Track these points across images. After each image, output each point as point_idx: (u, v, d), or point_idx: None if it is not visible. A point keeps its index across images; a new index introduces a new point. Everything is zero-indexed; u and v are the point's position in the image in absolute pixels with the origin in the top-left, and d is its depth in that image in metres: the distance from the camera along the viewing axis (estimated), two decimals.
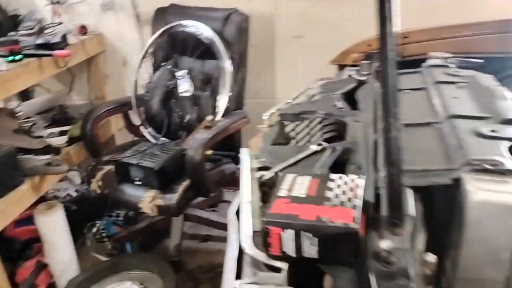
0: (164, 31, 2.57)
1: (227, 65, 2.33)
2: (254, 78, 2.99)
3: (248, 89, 2.76)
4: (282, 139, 1.42)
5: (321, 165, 1.03)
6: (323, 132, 1.67)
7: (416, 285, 0.62)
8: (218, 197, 2.78)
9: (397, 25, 0.63)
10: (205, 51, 2.43)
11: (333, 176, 0.84)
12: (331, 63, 2.17)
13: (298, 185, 0.82)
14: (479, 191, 0.73)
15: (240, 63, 2.47)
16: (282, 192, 0.80)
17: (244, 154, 1.12)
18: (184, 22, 2.51)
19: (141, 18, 3.01)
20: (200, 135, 2.07)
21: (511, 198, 0.72)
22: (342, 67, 2.10)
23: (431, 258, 0.65)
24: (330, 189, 0.80)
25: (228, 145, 2.32)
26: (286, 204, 0.76)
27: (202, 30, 2.40)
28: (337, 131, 1.40)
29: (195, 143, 2.00)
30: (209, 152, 2.07)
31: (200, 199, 2.31)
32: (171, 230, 2.49)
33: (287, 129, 1.48)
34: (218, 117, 2.27)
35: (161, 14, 2.70)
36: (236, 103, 2.46)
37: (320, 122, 1.61)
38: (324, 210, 0.73)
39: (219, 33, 2.39)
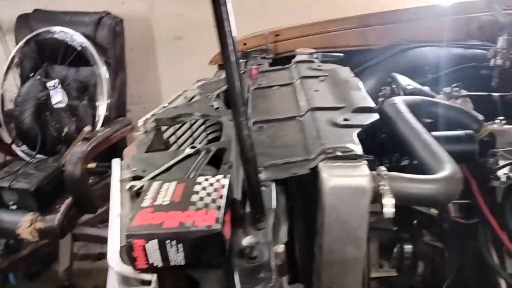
0: (29, 39, 2.37)
1: (103, 71, 2.22)
2: (136, 83, 2.90)
3: (130, 95, 2.67)
4: (160, 145, 1.39)
5: (194, 168, 1.02)
6: (207, 134, 1.67)
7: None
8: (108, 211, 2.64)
9: (234, 27, 0.64)
10: (78, 57, 2.29)
11: (199, 179, 0.84)
12: (209, 64, 2.18)
13: (163, 192, 0.80)
14: (332, 178, 0.78)
15: (117, 68, 2.37)
16: (146, 202, 0.77)
17: (115, 165, 1.07)
18: (51, 29, 2.34)
19: (2, 26, 2.74)
20: (79, 148, 1.94)
21: (360, 181, 0.78)
22: (221, 66, 2.11)
23: (280, 248, 0.68)
24: (196, 192, 0.79)
25: (114, 155, 2.21)
26: (149, 214, 0.73)
27: (72, 36, 2.25)
28: (220, 131, 1.41)
29: (73, 157, 1.88)
30: (92, 165, 1.96)
31: (87, 216, 2.17)
32: (59, 254, 2.31)
33: (167, 134, 1.45)
34: (98, 126, 2.15)
35: (24, 21, 2.48)
36: (118, 110, 2.36)
37: (203, 124, 1.60)
38: (188, 215, 0.72)
39: (91, 38, 2.26)
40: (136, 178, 1.04)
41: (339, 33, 2.07)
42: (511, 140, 1.34)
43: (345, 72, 1.38)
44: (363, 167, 0.80)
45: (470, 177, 1.22)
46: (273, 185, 0.84)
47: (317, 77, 1.35)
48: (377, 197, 0.76)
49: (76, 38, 2.25)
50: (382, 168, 0.80)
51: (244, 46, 2.08)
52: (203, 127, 1.66)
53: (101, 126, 2.15)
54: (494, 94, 1.58)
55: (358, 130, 0.96)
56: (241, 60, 1.99)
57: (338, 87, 1.24)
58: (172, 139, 1.46)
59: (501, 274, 1.09)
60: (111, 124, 2.19)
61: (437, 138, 1.11)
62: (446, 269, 1.26)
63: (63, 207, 1.90)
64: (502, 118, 1.40)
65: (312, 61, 1.56)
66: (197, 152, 1.11)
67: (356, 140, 0.90)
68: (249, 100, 1.30)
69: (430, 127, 1.35)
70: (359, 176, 0.79)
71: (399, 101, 1.12)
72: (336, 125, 0.99)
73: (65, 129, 2.24)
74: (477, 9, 2.01)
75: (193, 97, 1.67)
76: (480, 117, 1.28)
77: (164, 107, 1.52)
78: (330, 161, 0.83)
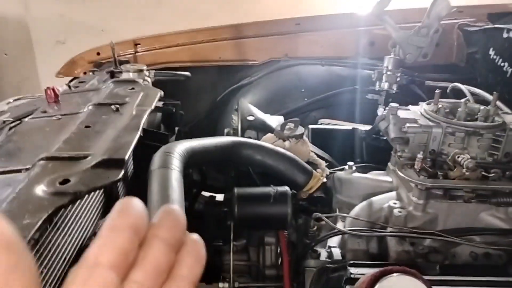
0: None
1: None
2: (15, 93, 2.50)
3: None
4: None
5: None
6: None
7: None
8: None
9: None
10: None
11: None
12: (56, 76, 1.82)
13: None
14: None
15: None
16: None
17: None
18: None
19: None
20: None
21: None
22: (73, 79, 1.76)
23: None
24: None
25: None
26: None
27: None
28: None
29: None
30: None
31: None
32: None
33: None
34: None
35: None
36: None
37: None
38: None
39: None
40: None
41: (210, 44, 1.75)
42: (360, 193, 1.06)
43: (148, 100, 1.05)
44: None
45: (284, 253, 0.91)
46: None
47: (110, 105, 1.02)
48: None
49: None
50: None
51: (98, 56, 1.73)
52: None
53: None
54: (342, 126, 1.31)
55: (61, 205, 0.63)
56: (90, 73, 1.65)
57: (118, 123, 0.92)
58: None
59: None
60: None
61: (243, 196, 0.86)
62: None
63: None
64: (352, 163, 1.11)
65: (135, 82, 1.23)
66: None
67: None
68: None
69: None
70: None
71: (171, 151, 0.80)
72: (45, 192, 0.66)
73: None
74: (369, 23, 1.74)
75: None
76: (310, 168, 0.98)
77: None
78: None
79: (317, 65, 1.71)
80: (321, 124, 1.57)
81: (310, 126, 1.35)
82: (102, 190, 0.86)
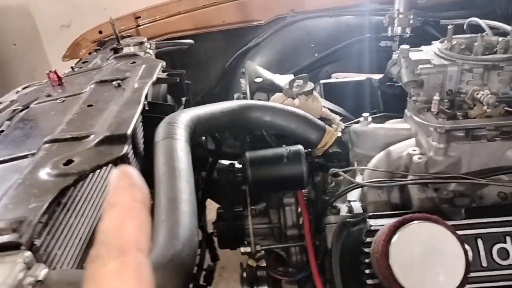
0: None
1: None
2: (30, 81, 2.52)
3: None
4: None
5: None
6: None
7: None
8: None
9: None
10: None
11: None
12: (63, 60, 1.81)
13: None
14: None
15: None
16: None
17: None
18: None
19: None
20: None
21: None
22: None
23: None
24: None
25: None
26: None
27: None
28: None
29: None
30: None
31: None
32: None
33: None
34: None
35: None
36: None
37: None
38: None
39: None
40: None
41: (213, 8, 1.69)
42: (377, 144, 1.02)
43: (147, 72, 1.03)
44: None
45: (304, 212, 0.89)
46: None
47: (111, 81, 1.00)
48: None
49: None
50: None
51: (100, 34, 1.71)
52: None
53: None
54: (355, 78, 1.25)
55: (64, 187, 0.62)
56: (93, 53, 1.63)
57: (120, 99, 0.90)
58: None
59: None
60: None
61: (256, 160, 0.84)
62: None
63: None
64: (368, 114, 1.07)
65: (136, 55, 1.20)
66: None
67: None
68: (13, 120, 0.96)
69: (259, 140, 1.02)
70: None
71: (175, 120, 0.77)
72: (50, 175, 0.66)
73: None
74: None
75: None
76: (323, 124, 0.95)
77: None
78: None
79: (325, 17, 1.64)
80: (335, 78, 1.52)
81: (322, 81, 1.30)
82: (110, 166, 0.85)
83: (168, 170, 0.67)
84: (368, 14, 1.60)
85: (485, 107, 0.79)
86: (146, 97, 0.97)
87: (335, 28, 1.61)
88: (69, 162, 0.68)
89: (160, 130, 0.77)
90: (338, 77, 1.50)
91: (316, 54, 1.56)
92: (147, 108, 0.96)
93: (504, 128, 0.84)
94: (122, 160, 0.74)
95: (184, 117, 0.80)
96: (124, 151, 0.71)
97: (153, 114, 0.97)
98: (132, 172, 0.31)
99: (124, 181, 0.30)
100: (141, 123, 0.94)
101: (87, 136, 0.76)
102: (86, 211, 0.73)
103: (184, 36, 1.70)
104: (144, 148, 0.95)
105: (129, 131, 0.75)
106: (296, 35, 1.64)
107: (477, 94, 0.80)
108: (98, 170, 0.69)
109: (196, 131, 0.83)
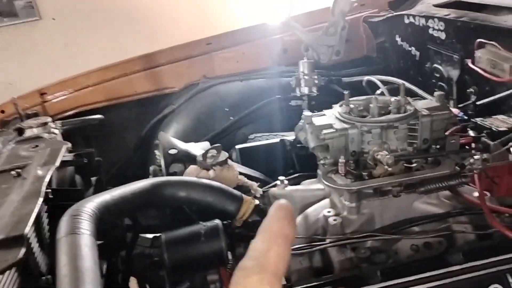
0: None
1: None
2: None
3: None
4: None
5: None
6: None
7: None
8: None
9: None
10: None
11: None
12: None
13: None
14: None
15: None
16: None
17: None
18: None
19: None
20: None
21: None
22: None
23: None
24: None
25: None
26: None
27: None
28: None
29: None
30: None
31: None
32: None
33: None
34: None
35: None
36: None
37: None
38: None
39: None
40: None
41: (123, 79, 1.67)
42: (296, 206, 1.03)
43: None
44: None
45: None
46: None
47: (10, 170, 0.93)
48: None
49: None
50: None
51: (2, 114, 1.60)
52: None
53: None
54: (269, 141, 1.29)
55: None
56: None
57: (19, 191, 0.83)
58: None
59: None
60: None
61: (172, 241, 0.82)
62: None
63: None
64: (284, 178, 1.09)
65: (39, 137, 1.13)
66: None
67: None
68: None
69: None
70: None
71: (79, 212, 0.72)
72: None
73: None
74: (279, 31, 1.74)
75: None
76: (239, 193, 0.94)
77: None
78: None
79: (235, 81, 1.69)
80: (254, 137, 1.54)
81: (237, 147, 1.31)
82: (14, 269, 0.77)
83: (71, 272, 0.62)
84: (276, 77, 1.67)
85: (385, 167, 0.84)
86: (50, 184, 0.91)
87: (247, 91, 1.66)
88: None
89: (63, 225, 0.71)
90: (257, 137, 1.53)
91: (231, 118, 1.59)
92: (51, 196, 0.89)
93: (407, 183, 0.90)
94: (21, 263, 0.67)
95: (89, 207, 0.75)
96: (21, 255, 0.65)
97: (59, 203, 0.90)
98: (288, 207, 0.37)
99: (280, 213, 0.36)
100: (46, 214, 0.87)
101: None
102: None
103: (95, 109, 1.65)
104: (51, 242, 0.88)
105: (26, 230, 0.69)
106: (210, 100, 1.66)
107: (377, 155, 0.85)
108: None
109: (104, 219, 0.78)
